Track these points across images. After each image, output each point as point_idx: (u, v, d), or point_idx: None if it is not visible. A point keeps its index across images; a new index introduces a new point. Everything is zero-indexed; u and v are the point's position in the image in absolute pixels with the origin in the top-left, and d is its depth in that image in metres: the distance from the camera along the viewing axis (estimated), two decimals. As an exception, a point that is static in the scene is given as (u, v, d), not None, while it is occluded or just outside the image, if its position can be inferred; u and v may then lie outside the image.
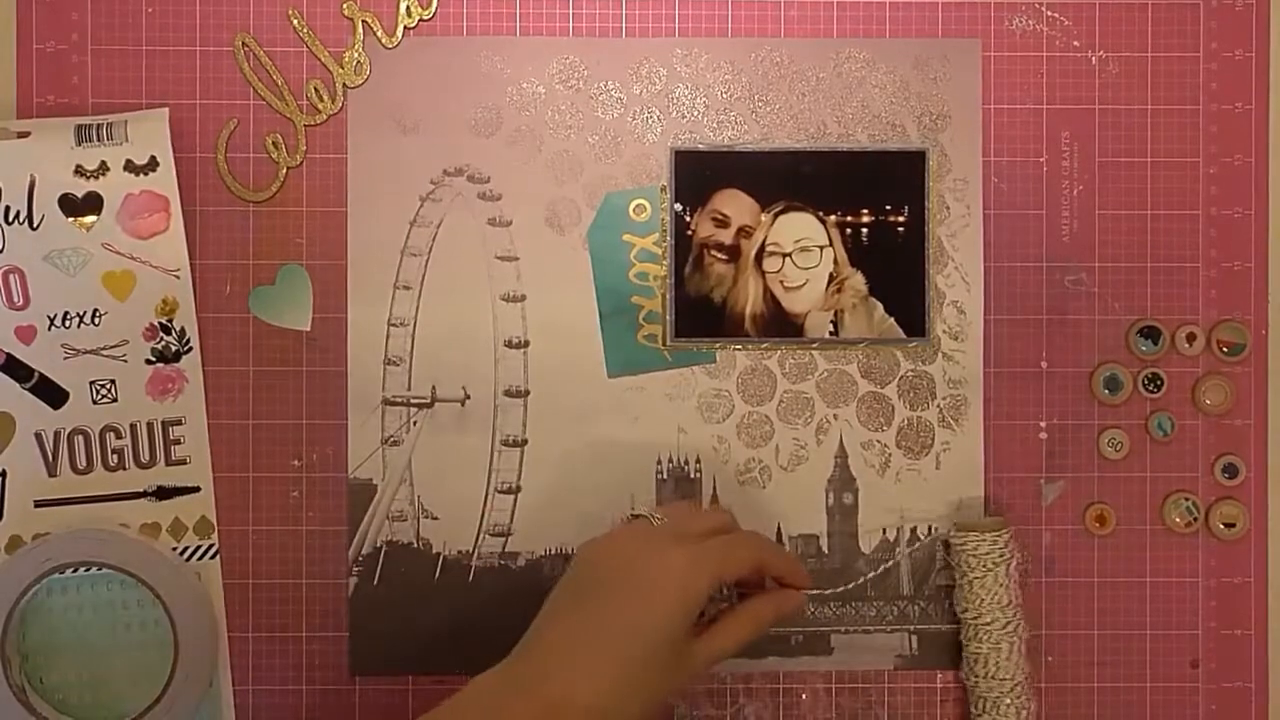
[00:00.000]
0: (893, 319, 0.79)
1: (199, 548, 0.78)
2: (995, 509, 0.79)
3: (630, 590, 0.65)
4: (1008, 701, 0.76)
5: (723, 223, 0.79)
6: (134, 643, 0.77)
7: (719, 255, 0.79)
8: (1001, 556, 0.76)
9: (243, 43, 0.79)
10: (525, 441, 0.79)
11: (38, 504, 0.77)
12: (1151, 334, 0.80)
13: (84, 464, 0.77)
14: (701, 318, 0.79)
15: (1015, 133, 0.80)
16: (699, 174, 0.79)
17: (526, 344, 0.79)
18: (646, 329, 0.79)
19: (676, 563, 0.66)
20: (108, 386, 0.77)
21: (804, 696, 0.80)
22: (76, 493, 0.77)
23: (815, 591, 0.76)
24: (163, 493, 0.78)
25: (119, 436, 0.77)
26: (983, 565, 0.76)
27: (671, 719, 0.79)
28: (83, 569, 0.75)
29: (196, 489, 0.78)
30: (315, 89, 0.79)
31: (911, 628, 0.80)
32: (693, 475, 0.80)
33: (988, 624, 0.76)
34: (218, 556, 0.78)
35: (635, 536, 0.69)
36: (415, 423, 0.79)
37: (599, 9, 0.79)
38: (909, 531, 0.80)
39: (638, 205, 0.79)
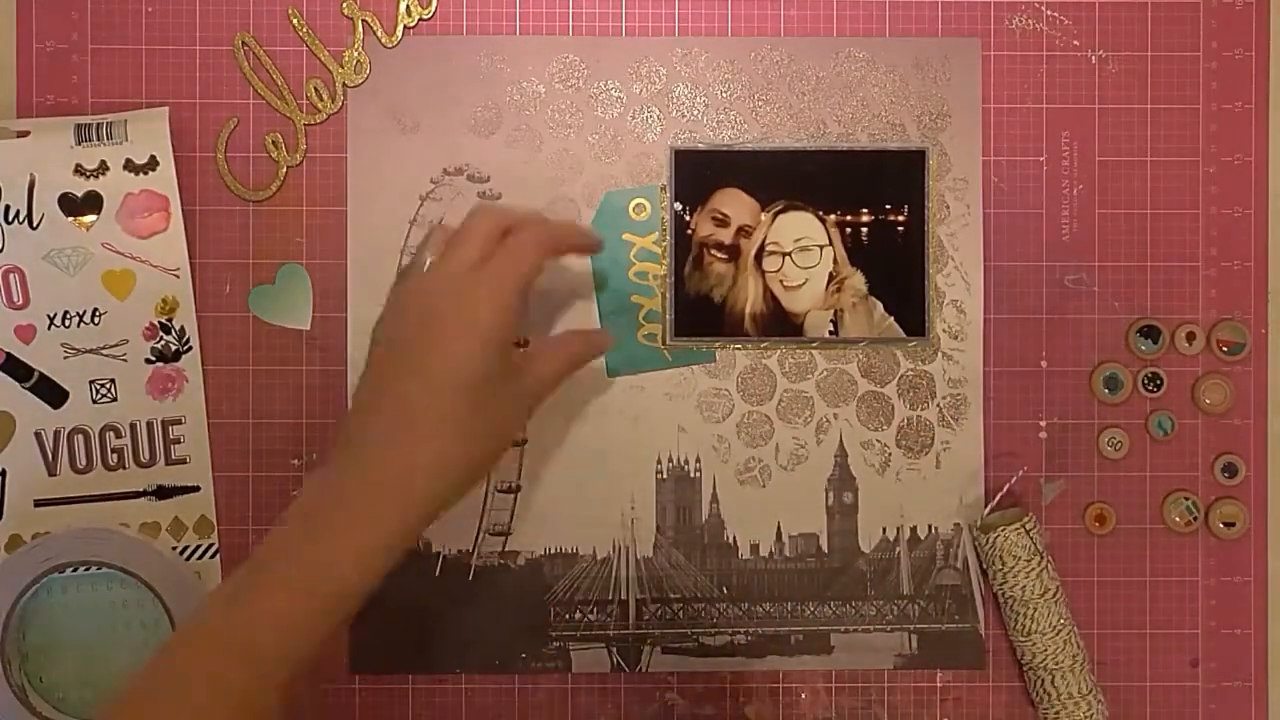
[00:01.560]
0: (892, 318, 0.79)
1: (199, 547, 0.78)
2: (996, 504, 0.79)
3: (425, 350, 0.64)
4: (1074, 675, 0.76)
5: (722, 222, 0.79)
6: (134, 642, 0.77)
7: (719, 254, 0.79)
8: (1038, 545, 0.76)
9: (243, 42, 0.79)
10: (525, 441, 0.79)
11: (38, 503, 0.77)
12: (1151, 333, 0.80)
13: (84, 463, 0.77)
14: (701, 317, 0.79)
15: (1015, 132, 0.80)
16: (699, 173, 0.79)
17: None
18: (646, 328, 0.79)
19: (467, 311, 0.64)
20: (107, 386, 0.77)
21: (804, 696, 0.80)
22: (76, 492, 0.77)
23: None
24: (162, 492, 0.78)
25: (119, 436, 0.77)
26: (1027, 553, 0.76)
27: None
28: (82, 568, 0.75)
29: (196, 488, 0.78)
30: (315, 88, 0.79)
31: (911, 628, 0.80)
32: (693, 475, 0.79)
33: (1044, 612, 0.76)
34: (218, 556, 0.78)
35: (417, 294, 0.66)
36: (415, 422, 0.79)
37: (599, 8, 0.79)
38: (909, 531, 0.80)
39: (637, 204, 0.79)
